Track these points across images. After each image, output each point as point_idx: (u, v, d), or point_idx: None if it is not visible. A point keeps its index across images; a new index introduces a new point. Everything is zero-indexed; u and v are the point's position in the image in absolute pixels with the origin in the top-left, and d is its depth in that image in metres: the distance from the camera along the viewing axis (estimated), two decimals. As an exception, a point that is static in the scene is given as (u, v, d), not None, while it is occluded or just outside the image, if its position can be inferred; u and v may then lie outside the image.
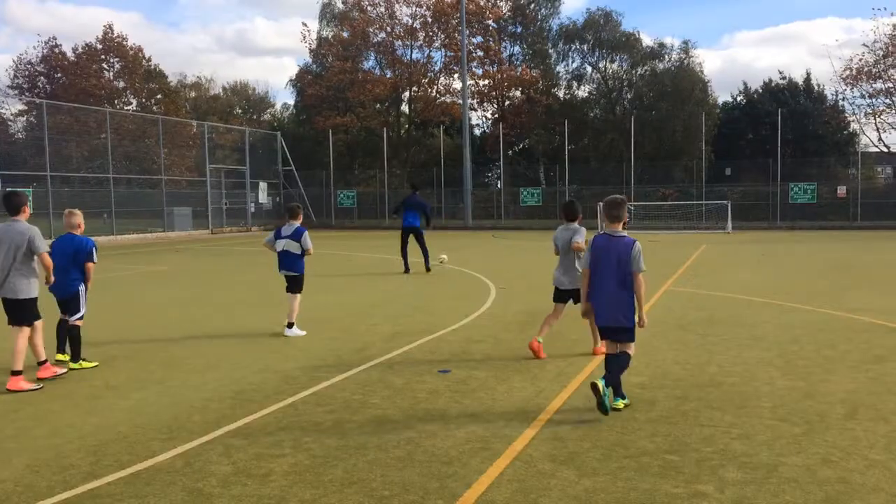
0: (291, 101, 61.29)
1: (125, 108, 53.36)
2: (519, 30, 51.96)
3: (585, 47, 49.30)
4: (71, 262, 7.77)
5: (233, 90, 73.09)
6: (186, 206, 38.77)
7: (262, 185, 43.19)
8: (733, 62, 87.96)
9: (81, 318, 7.91)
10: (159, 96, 56.26)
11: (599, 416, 5.78)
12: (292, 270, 9.86)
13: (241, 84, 74.10)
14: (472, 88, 49.64)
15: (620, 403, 6.08)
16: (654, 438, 5.35)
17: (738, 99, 48.36)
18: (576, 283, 7.91)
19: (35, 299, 7.21)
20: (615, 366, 6.02)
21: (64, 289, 7.77)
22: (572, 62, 50.38)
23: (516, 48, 52.64)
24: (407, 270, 16.89)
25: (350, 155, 51.84)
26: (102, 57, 53.76)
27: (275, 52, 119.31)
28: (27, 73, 53.70)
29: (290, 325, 9.62)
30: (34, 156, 38.07)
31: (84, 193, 36.79)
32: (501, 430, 5.58)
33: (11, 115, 52.70)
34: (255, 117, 68.62)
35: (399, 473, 4.73)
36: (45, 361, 7.37)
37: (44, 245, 7.18)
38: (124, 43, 54.16)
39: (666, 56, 47.47)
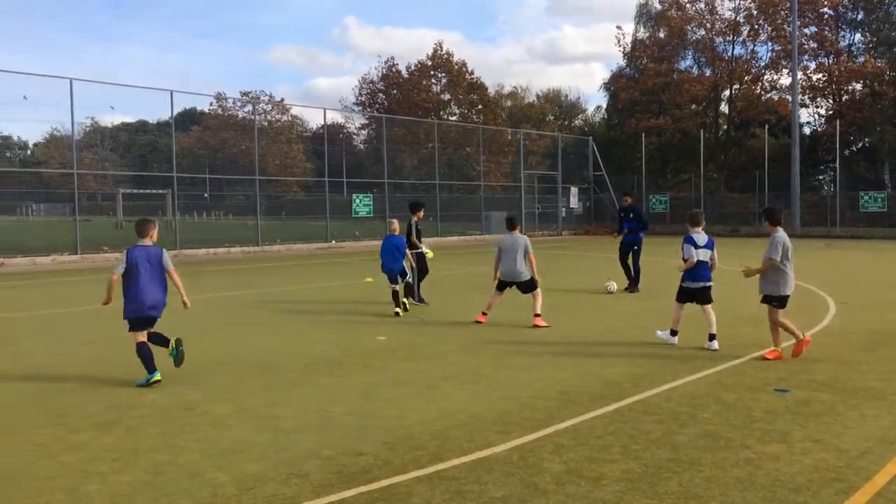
0: (603, 106, 61.24)
1: (449, 118, 57.53)
2: (860, 16, 46.44)
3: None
4: None
5: (546, 97, 75.19)
6: (501, 210, 40.71)
7: (573, 190, 43.77)
8: None
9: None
10: (479, 107, 59.73)
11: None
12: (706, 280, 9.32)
13: (553, 91, 76.05)
14: (803, 83, 45.44)
15: None
16: None
17: None
18: None
19: None
20: None
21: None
22: (928, 48, 43.78)
23: (857, 36, 47.13)
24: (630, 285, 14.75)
25: (663, 158, 50.46)
26: (432, 73, 58.58)
27: (583, 58, 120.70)
28: (369, 90, 60.39)
29: (712, 338, 8.98)
30: (373, 164, 42.75)
31: (413, 199, 40.41)
32: (856, 462, 4.99)
33: (355, 128, 59.82)
34: (566, 123, 69.92)
35: (741, 495, 4.45)
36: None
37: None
38: (450, 59, 58.47)
39: None
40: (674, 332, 9.28)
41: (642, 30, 53.25)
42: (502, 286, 11.16)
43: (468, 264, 22.25)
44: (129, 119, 70.89)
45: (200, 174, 45.99)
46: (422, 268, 13.40)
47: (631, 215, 15.33)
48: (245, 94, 64.51)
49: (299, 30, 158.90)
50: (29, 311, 12.82)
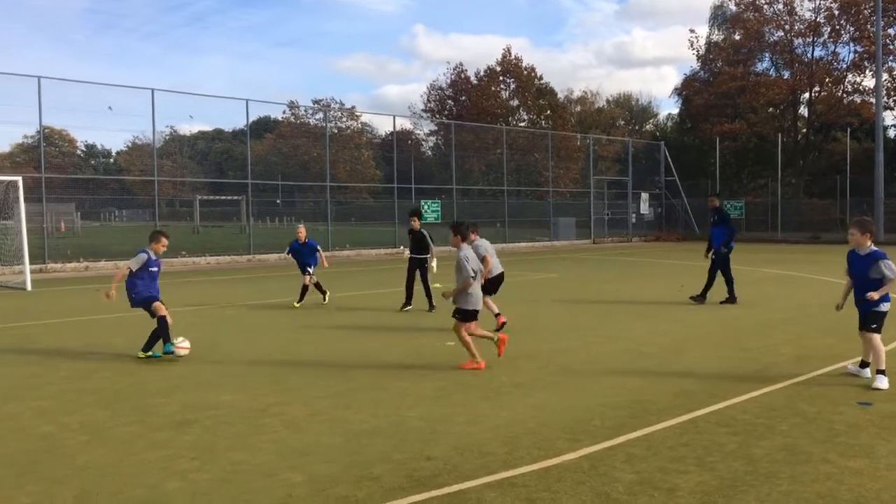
0: (675, 111, 60.15)
1: (518, 124, 57.40)
2: (950, 13, 44.36)
3: None
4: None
5: (616, 102, 74.31)
6: (570, 216, 40.37)
7: (644, 196, 43.08)
8: None
9: None
10: (548, 112, 59.43)
11: None
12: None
13: (624, 96, 75.06)
14: (888, 85, 43.68)
15: None
16: None
17: None
18: None
19: None
20: None
21: None
22: None
23: (949, 34, 45.02)
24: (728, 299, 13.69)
25: (738, 163, 49.21)
26: (500, 78, 58.60)
27: (654, 62, 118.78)
28: (437, 97, 60.77)
29: (864, 365, 7.73)
30: (441, 171, 42.99)
31: (480, 204, 40.47)
32: (948, 481, 4.76)
33: (424, 135, 60.25)
34: (637, 128, 68.89)
35: (822, 512, 4.30)
36: None
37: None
38: (519, 64, 58.37)
39: None
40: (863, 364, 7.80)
41: (717, 32, 52.19)
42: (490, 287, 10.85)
43: (537, 271, 22.13)
44: (206, 128, 73.31)
45: (273, 180, 47.06)
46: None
47: (716, 217, 14.09)
48: (317, 101, 65.87)
49: (369, 38, 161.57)
50: (111, 312, 13.34)
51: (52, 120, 38.14)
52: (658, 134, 59.95)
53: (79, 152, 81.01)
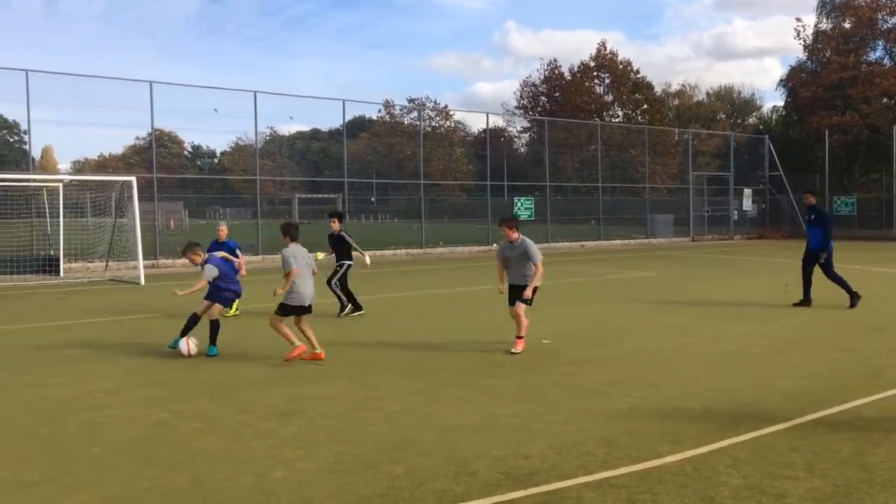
0: (780, 103, 57.66)
1: (613, 120, 56.39)
2: None
3: None
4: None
5: (716, 95, 71.97)
6: (668, 213, 39.35)
7: (747, 192, 41.54)
8: None
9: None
10: (645, 107, 58.13)
11: None
12: None
13: (724, 89, 72.64)
14: None
15: None
16: None
17: None
18: None
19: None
20: None
21: None
22: None
23: None
24: (804, 301, 12.86)
25: (848, 157, 46.73)
26: (595, 73, 57.73)
27: (755, 53, 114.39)
28: (530, 94, 60.42)
29: None
30: (534, 167, 42.71)
31: (574, 201, 40.01)
32: None
33: (517, 132, 60.00)
34: (739, 122, 66.50)
35: (946, 526, 4.06)
36: None
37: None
38: (615, 58, 57.34)
39: None
40: None
41: (825, 21, 49.66)
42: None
43: (633, 269, 21.71)
44: (304, 128, 75.23)
45: (368, 179, 47.91)
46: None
47: (813, 216, 13.10)
48: (411, 100, 66.58)
49: (461, 36, 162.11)
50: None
51: (161, 123, 40.05)
52: (762, 127, 57.62)
53: (186, 153, 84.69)
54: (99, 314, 13.18)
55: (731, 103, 71.67)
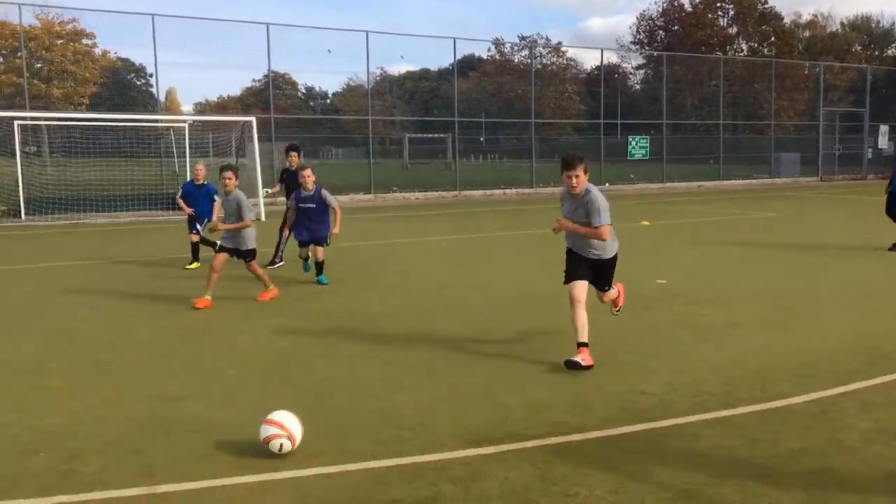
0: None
1: (736, 54, 53.42)
2: None
3: None
4: None
5: (851, 25, 66.70)
6: (794, 151, 37.25)
7: (883, 129, 38.66)
8: None
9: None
10: (772, 39, 54.70)
11: None
12: None
13: (862, 18, 67.14)
14: None
15: None
16: None
17: None
18: None
19: None
20: None
21: None
22: None
23: None
24: None
25: None
26: (718, 4, 54.62)
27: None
28: (647, 28, 57.94)
29: None
30: (650, 105, 41.21)
31: (693, 140, 38.43)
32: None
33: (632, 68, 57.86)
34: (876, 54, 61.59)
35: None
36: None
37: None
38: (740, -13, 54.02)
39: None
40: None
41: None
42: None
43: (755, 210, 20.79)
44: (413, 68, 75.19)
45: (477, 118, 47.66)
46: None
47: None
48: (523, 38, 65.19)
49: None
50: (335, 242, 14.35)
51: (276, 65, 40.97)
52: (902, 59, 53.24)
53: (299, 94, 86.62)
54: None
55: (869, 34, 66.23)
